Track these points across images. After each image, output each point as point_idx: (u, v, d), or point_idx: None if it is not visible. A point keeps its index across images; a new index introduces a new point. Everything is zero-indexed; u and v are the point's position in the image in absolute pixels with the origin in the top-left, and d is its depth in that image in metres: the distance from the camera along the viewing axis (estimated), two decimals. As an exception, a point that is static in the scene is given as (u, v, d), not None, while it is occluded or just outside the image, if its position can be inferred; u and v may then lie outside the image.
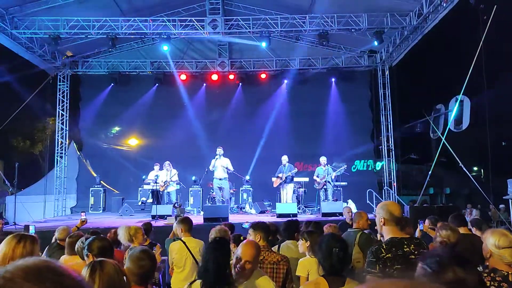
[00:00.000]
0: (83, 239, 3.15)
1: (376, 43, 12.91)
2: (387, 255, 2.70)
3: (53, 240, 5.42)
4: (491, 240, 2.69)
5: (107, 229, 6.67)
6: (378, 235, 3.62)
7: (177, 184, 12.67)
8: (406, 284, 0.78)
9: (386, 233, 2.89)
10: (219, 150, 12.04)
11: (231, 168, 12.10)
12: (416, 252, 2.69)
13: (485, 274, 2.56)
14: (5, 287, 0.73)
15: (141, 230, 4.78)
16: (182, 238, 4.81)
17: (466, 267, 1.49)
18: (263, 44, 13.21)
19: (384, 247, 2.75)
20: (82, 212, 6.98)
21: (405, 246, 2.74)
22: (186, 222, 4.99)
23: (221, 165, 11.95)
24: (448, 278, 1.42)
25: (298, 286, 3.63)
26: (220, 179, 12.02)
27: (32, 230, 7.00)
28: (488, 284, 2.50)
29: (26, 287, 0.73)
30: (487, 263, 2.76)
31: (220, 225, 4.18)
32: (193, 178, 13.75)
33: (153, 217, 10.68)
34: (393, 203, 3.03)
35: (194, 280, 2.82)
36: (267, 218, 11.19)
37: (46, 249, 5.04)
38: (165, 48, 13.29)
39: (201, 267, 2.81)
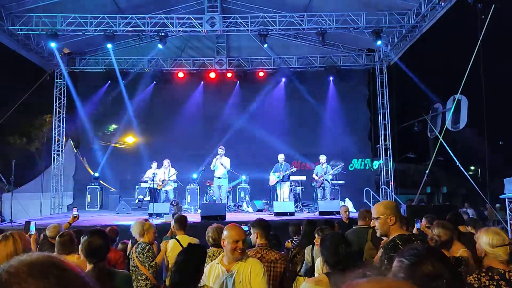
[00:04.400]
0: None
1: (379, 42, 12.90)
2: None
3: (41, 238, 5.40)
4: (484, 239, 2.70)
5: (103, 227, 6.66)
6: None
7: (174, 182, 12.68)
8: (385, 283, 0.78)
9: (393, 231, 2.83)
10: (221, 150, 12.09)
11: (228, 166, 12.13)
12: None
13: (483, 274, 2.56)
14: (9, 281, 0.74)
15: (154, 228, 4.92)
16: (176, 236, 4.85)
17: (444, 261, 1.49)
18: (265, 45, 13.20)
19: (400, 243, 2.69)
20: (73, 208, 6.98)
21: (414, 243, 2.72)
22: (179, 220, 5.05)
23: (220, 164, 12.03)
24: (426, 270, 1.42)
25: None
26: (219, 178, 12.10)
27: (32, 227, 6.99)
28: (487, 284, 2.50)
29: (30, 281, 0.74)
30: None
31: (218, 223, 4.18)
32: (194, 176, 13.76)
33: (150, 215, 10.67)
34: (391, 202, 3.04)
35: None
36: (264, 216, 11.17)
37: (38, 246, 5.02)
38: (160, 46, 13.23)
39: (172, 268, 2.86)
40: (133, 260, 4.55)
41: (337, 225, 6.37)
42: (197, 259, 2.84)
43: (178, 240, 4.73)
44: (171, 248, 4.76)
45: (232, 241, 3.05)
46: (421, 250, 1.50)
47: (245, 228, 7.82)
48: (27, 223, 8.32)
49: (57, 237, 3.82)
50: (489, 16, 10.03)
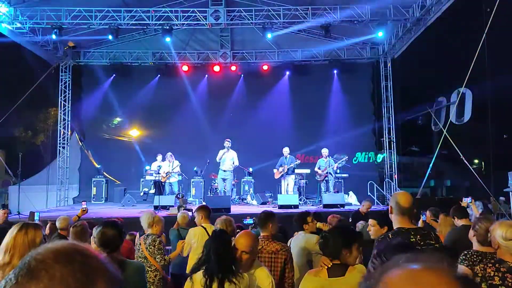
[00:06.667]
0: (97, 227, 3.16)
1: (381, 33, 12.85)
2: None
3: (51, 229, 5.48)
4: (498, 232, 2.69)
5: (110, 219, 6.74)
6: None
7: (179, 175, 12.76)
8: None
9: (394, 223, 2.91)
10: (227, 143, 12.13)
11: (236, 162, 12.24)
12: (422, 243, 2.70)
13: (490, 264, 2.58)
14: (37, 267, 0.78)
15: (163, 221, 5.05)
16: (202, 225, 5.02)
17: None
18: (269, 36, 13.10)
19: (390, 237, 2.77)
20: (83, 201, 7.10)
21: (411, 237, 2.74)
22: (205, 209, 5.25)
23: (228, 158, 12.08)
24: None
25: None
26: (225, 171, 12.17)
27: (36, 217, 7.13)
28: (492, 274, 2.53)
29: (56, 268, 0.78)
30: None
31: (226, 215, 4.25)
32: (195, 168, 13.82)
33: (156, 207, 10.76)
34: (404, 193, 3.04)
35: (194, 271, 2.86)
36: (268, 209, 11.22)
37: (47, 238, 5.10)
38: (168, 39, 13.24)
39: (201, 257, 2.86)
40: (142, 251, 4.62)
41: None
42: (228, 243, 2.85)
43: (205, 229, 4.89)
44: (198, 236, 4.87)
45: (238, 249, 2.97)
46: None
47: (250, 221, 7.86)
48: (32, 214, 8.48)
49: (71, 228, 3.88)
50: (494, 9, 9.99)
